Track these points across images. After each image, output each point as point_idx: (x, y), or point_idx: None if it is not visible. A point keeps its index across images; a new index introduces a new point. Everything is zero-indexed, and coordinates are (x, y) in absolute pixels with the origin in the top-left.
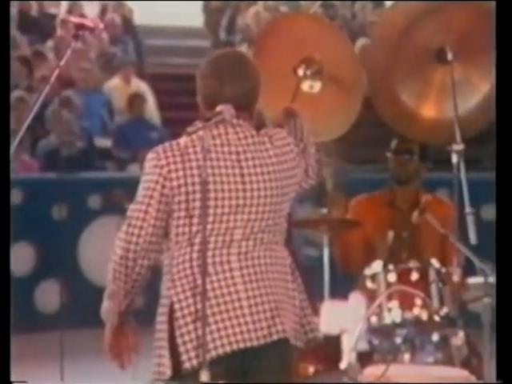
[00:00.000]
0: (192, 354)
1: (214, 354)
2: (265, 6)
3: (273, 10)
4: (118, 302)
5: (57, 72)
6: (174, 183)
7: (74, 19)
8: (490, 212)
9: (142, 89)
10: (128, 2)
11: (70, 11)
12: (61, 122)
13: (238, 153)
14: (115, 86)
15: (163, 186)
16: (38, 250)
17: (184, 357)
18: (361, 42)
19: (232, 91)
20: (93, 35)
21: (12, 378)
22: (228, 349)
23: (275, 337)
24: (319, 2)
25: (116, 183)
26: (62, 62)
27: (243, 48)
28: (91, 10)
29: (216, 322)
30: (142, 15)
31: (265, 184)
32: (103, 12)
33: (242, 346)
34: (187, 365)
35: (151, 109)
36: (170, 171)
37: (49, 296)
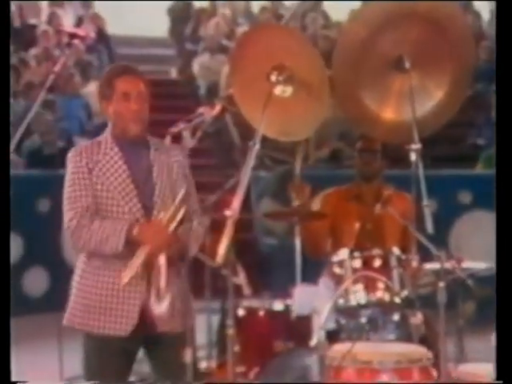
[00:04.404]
0: None
1: None
2: (224, 18)
3: (230, 22)
4: None
5: (53, 77)
6: None
7: (69, 29)
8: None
9: None
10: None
11: (49, 22)
12: (43, 123)
13: None
14: (92, 91)
15: None
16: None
17: None
18: None
19: None
20: (83, 43)
21: None
22: None
23: None
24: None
25: None
26: (57, 68)
27: (205, 56)
28: (67, 20)
29: None
30: (114, 26)
31: None
32: (79, 23)
33: None
34: None
35: None
36: None
37: (36, 282)
